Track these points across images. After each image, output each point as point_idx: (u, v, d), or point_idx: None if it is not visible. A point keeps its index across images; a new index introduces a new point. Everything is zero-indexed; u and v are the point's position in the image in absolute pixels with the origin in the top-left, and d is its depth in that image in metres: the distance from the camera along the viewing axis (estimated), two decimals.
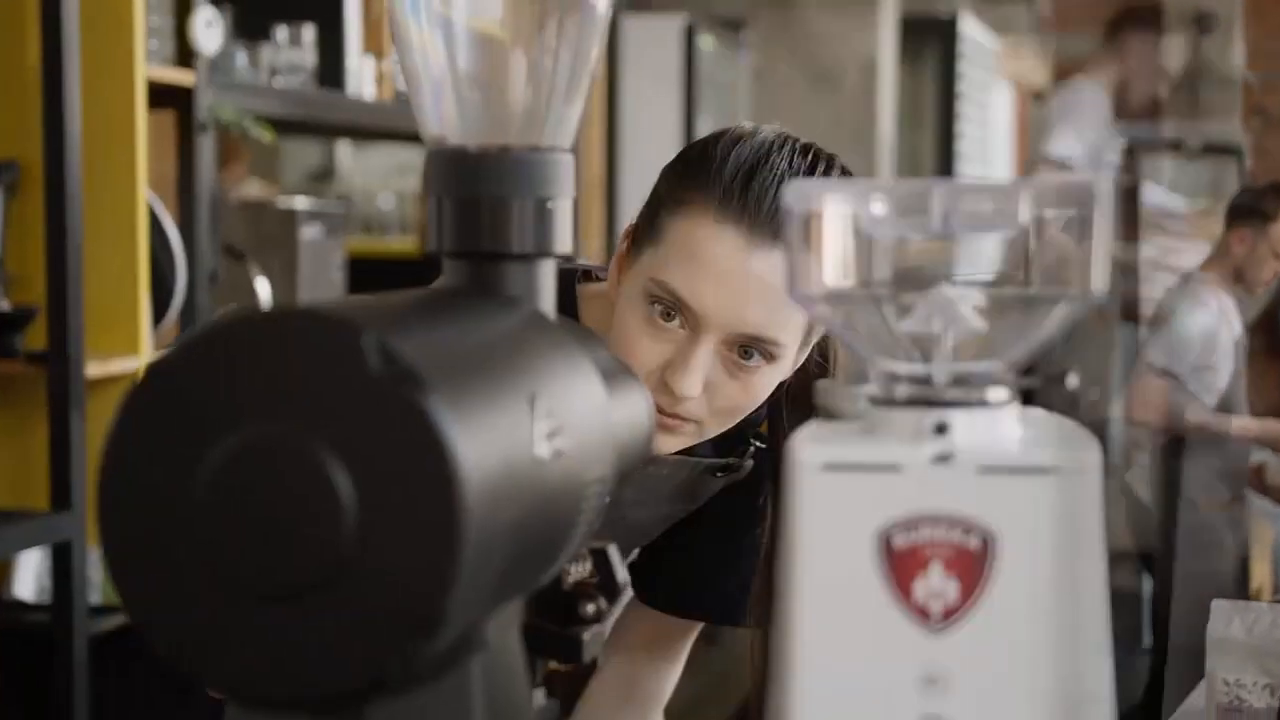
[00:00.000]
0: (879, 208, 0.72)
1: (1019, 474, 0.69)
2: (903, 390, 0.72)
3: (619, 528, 1.41)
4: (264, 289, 2.88)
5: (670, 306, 1.24)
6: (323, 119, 3.04)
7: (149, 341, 2.50)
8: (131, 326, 2.44)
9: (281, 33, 2.96)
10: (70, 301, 2.28)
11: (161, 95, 2.58)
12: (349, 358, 0.62)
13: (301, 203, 3.11)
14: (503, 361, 0.71)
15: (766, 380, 1.27)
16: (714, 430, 1.29)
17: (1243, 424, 4.56)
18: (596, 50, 0.86)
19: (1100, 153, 4.50)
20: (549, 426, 0.71)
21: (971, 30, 7.36)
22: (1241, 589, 4.69)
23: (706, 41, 5.19)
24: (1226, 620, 2.06)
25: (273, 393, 0.63)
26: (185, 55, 2.62)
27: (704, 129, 5.60)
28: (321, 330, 0.63)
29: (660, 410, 1.25)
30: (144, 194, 2.45)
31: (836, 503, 0.70)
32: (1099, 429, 4.53)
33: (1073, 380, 3.23)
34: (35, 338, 2.35)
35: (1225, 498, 4.70)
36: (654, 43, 5.01)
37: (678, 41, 5.07)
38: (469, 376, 0.66)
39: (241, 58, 2.88)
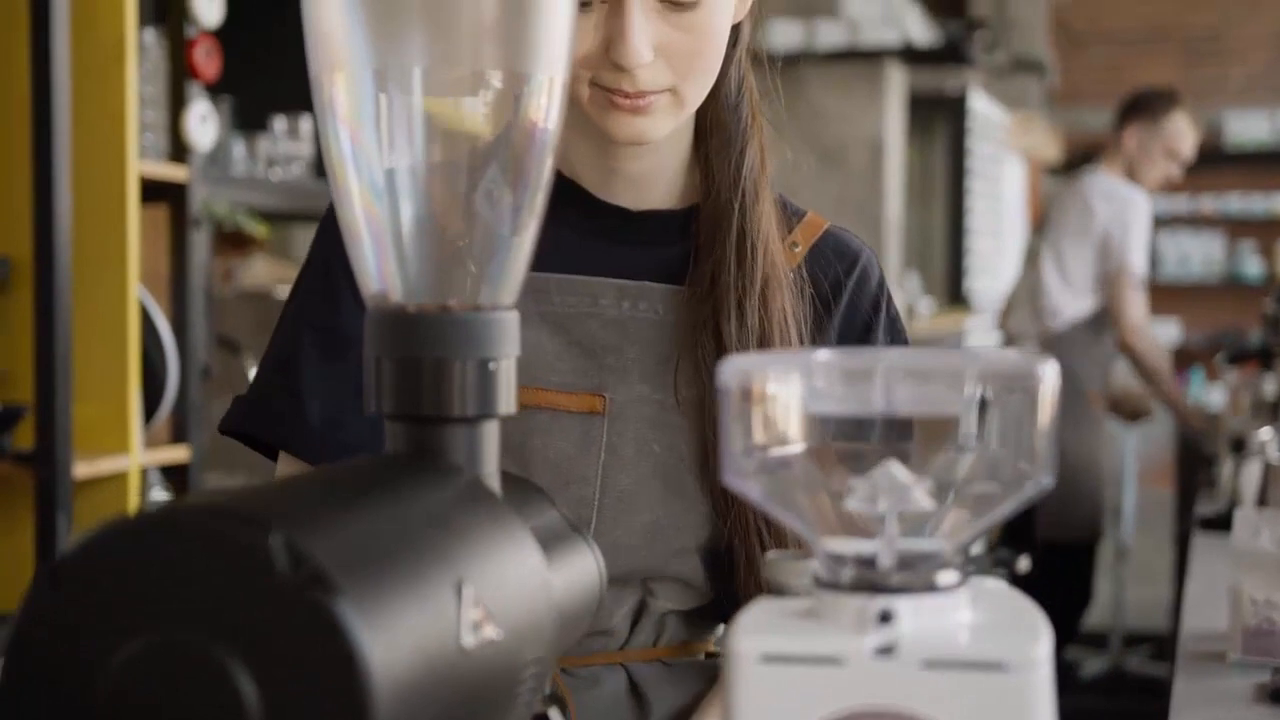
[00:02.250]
0: (821, 383, 0.70)
1: (966, 669, 0.66)
2: (847, 573, 0.69)
3: None
4: None
5: None
6: (320, 210, 3.03)
7: (139, 440, 2.47)
8: (121, 425, 2.42)
9: (280, 124, 2.95)
10: (59, 401, 2.27)
11: (156, 190, 2.58)
12: (256, 559, 0.59)
13: None
14: (429, 547, 0.68)
15: (716, 18, 1.19)
16: (695, 95, 1.20)
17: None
18: (541, 195, 0.84)
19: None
20: (479, 613, 0.68)
21: (981, 106, 7.37)
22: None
23: None
24: (1252, 530, 1.86)
25: (178, 594, 0.60)
26: (180, 150, 2.61)
27: None
28: (228, 529, 0.60)
29: (625, 94, 1.17)
30: (135, 291, 2.44)
31: (776, 697, 0.67)
32: None
33: (1024, 564, 3.15)
34: (23, 436, 2.33)
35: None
36: None
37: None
38: (387, 570, 0.63)
39: (240, 149, 2.87)
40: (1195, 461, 4.75)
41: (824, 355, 0.72)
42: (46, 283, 2.31)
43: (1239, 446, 3.22)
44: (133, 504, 2.44)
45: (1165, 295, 10.25)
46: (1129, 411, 4.87)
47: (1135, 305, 4.34)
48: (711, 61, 1.19)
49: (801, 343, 1.21)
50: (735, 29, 1.26)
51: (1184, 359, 10.14)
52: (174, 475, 2.66)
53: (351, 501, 0.68)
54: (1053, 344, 4.46)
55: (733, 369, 0.70)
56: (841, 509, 0.70)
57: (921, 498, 0.70)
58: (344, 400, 1.21)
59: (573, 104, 1.19)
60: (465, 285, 0.81)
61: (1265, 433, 3.14)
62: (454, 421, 0.79)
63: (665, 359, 1.23)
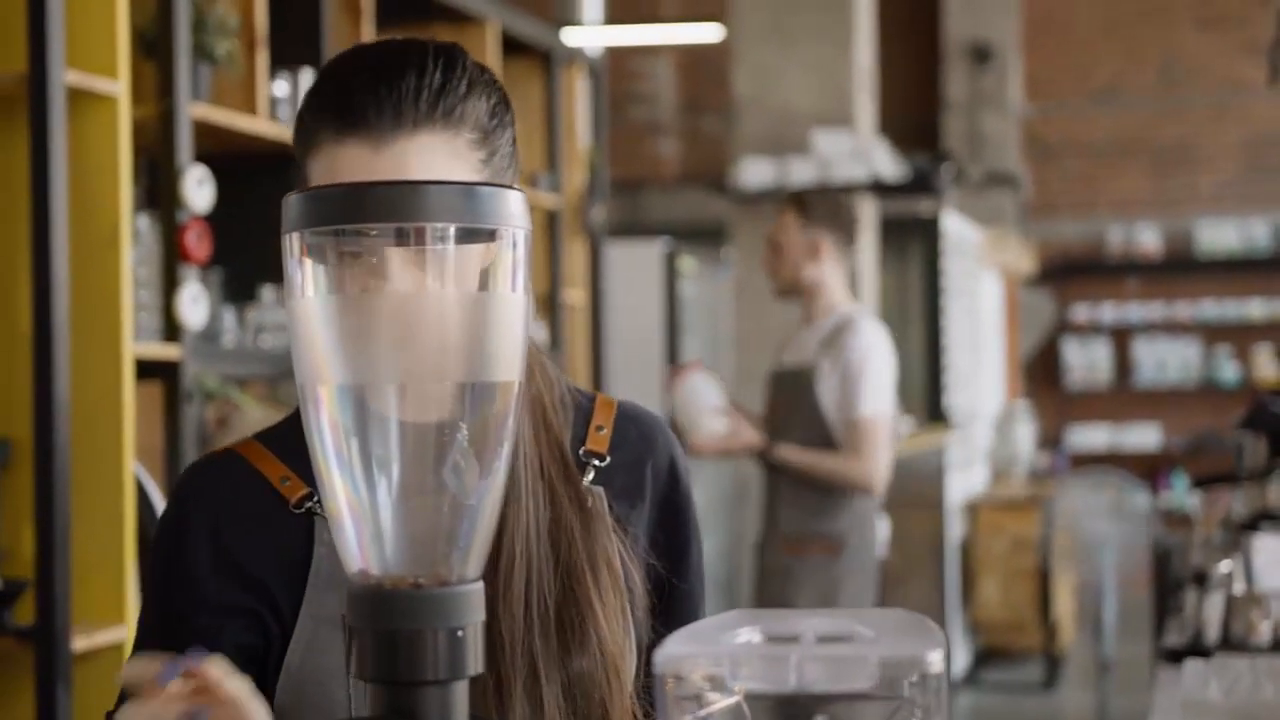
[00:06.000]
0: (745, 668, 0.80)
1: None
2: None
3: None
4: None
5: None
6: None
7: (136, 610, 2.57)
8: (118, 597, 2.52)
9: (269, 293, 3.08)
10: (58, 578, 2.36)
11: (149, 367, 2.69)
12: None
13: None
14: None
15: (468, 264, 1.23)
16: None
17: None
18: (502, 475, 0.95)
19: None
20: None
21: (954, 225, 7.54)
22: None
23: (688, 263, 5.35)
24: (1203, 681, 1.95)
25: None
26: (173, 329, 2.73)
27: (688, 347, 5.75)
28: None
29: None
30: (131, 467, 2.54)
31: None
32: None
33: None
34: (23, 612, 2.42)
35: (795, 537, 4.05)
36: (637, 266, 5.19)
37: (659, 264, 5.24)
38: None
39: (230, 319, 2.99)
40: (1167, 575, 4.82)
41: (744, 639, 0.82)
42: (45, 463, 2.42)
43: (1201, 579, 3.31)
44: None
45: (1143, 400, 10.40)
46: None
47: None
48: None
49: (561, 554, 1.26)
50: None
51: (1164, 463, 10.28)
52: None
53: None
54: None
55: (665, 657, 0.80)
56: None
57: None
58: None
59: None
60: (436, 560, 0.92)
61: (1225, 565, 3.23)
62: (427, 685, 0.90)
63: None
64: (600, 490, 1.30)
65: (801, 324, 4.11)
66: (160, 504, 2.63)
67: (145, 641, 1.27)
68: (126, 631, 2.54)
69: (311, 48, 3.24)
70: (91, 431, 2.51)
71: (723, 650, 0.80)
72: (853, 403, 3.91)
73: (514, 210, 0.92)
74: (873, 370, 3.93)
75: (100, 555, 2.51)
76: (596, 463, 1.31)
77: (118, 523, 2.52)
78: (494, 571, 1.23)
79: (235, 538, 1.26)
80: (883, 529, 4.17)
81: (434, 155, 1.20)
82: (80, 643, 2.43)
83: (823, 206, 4.10)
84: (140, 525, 2.59)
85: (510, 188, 0.93)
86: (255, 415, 3.65)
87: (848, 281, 4.15)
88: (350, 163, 1.20)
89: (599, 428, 1.34)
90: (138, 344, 2.62)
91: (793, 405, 4.01)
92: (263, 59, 3.07)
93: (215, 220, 2.85)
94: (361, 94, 1.20)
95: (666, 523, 1.35)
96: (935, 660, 0.78)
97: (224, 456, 1.31)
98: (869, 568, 4.03)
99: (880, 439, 3.91)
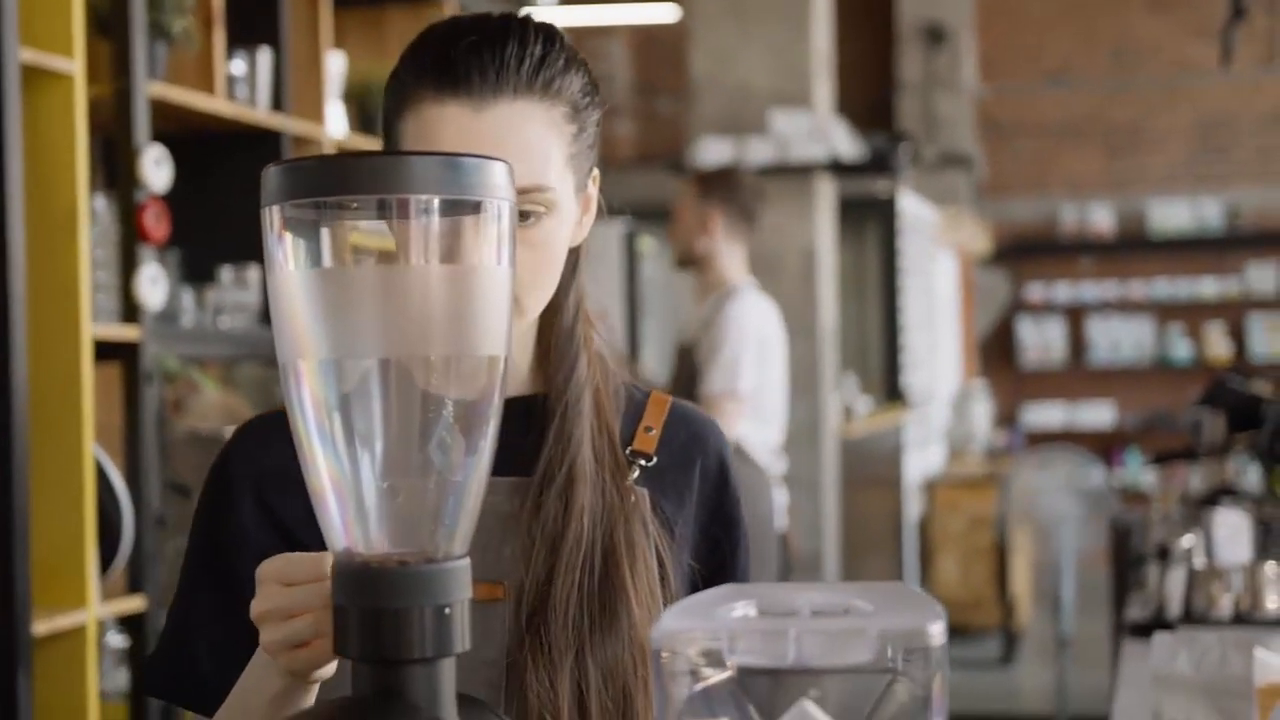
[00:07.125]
0: (742, 643, 0.79)
1: None
2: None
3: None
4: None
5: None
6: (267, 355, 3.12)
7: (96, 594, 2.54)
8: (79, 580, 2.49)
9: (227, 274, 3.05)
10: (17, 563, 2.33)
11: (108, 348, 2.66)
12: None
13: None
14: None
15: (556, 235, 1.23)
16: (534, 305, 1.25)
17: None
18: (489, 451, 0.94)
19: None
20: None
21: (910, 205, 7.56)
22: None
23: (647, 244, 5.33)
24: (1171, 654, 1.96)
25: None
26: (131, 310, 2.70)
27: (648, 328, 5.75)
28: None
29: None
30: (90, 449, 2.51)
31: None
32: None
33: None
34: None
35: None
36: (596, 247, 5.16)
37: (619, 245, 5.23)
38: None
39: (188, 299, 2.96)
40: (1126, 551, 4.85)
41: (740, 612, 0.81)
42: (4, 446, 2.38)
43: (1164, 553, 3.33)
44: (90, 657, 2.50)
45: (1097, 379, 10.47)
46: None
47: None
48: (551, 275, 1.25)
49: (602, 539, 1.26)
50: (574, 254, 1.30)
51: (1118, 440, 10.35)
52: (131, 624, 2.73)
53: None
54: None
55: (661, 632, 0.79)
56: None
57: None
58: (242, 650, 1.20)
59: None
60: (422, 538, 0.91)
61: (1187, 540, 3.25)
62: (414, 663, 0.89)
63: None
64: (644, 491, 1.30)
65: (699, 298, 4.10)
66: (120, 486, 2.60)
67: (197, 593, 1.27)
68: (88, 615, 2.51)
69: (269, 26, 3.20)
70: (50, 414, 2.48)
71: (720, 625, 0.79)
72: (706, 377, 3.86)
73: (499, 182, 0.90)
74: (730, 346, 3.86)
75: (61, 538, 2.48)
76: (643, 463, 1.31)
77: (78, 505, 2.49)
78: (558, 549, 1.24)
79: (275, 495, 1.26)
80: (780, 501, 4.04)
81: (532, 122, 1.22)
82: (41, 627, 2.40)
83: (719, 183, 4.10)
84: (100, 507, 2.56)
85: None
86: (214, 396, 3.61)
87: (744, 259, 4.09)
88: (450, 123, 1.20)
89: (648, 428, 1.34)
90: (96, 325, 2.59)
91: (682, 380, 3.97)
92: (220, 37, 3.04)
93: (173, 200, 2.82)
94: (466, 56, 1.21)
95: (714, 525, 1.35)
96: (936, 633, 0.78)
97: (275, 416, 1.28)
98: (764, 548, 3.84)
99: (723, 416, 3.77)
